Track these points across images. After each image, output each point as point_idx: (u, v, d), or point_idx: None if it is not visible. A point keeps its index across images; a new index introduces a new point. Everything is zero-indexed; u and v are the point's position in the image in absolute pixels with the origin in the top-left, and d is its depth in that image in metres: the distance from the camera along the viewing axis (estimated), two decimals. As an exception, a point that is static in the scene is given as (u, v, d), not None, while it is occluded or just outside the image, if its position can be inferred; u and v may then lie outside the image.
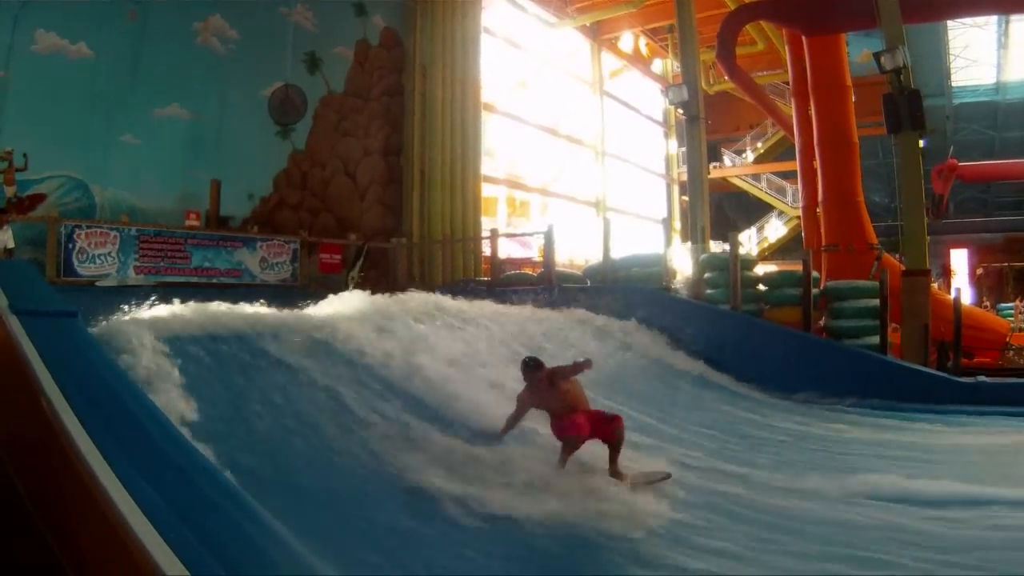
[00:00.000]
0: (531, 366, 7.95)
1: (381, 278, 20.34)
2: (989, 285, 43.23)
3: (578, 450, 7.43)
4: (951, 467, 8.86)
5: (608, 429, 7.60)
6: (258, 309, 8.69)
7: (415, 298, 11.35)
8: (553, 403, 7.69)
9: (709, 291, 17.96)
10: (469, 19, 25.84)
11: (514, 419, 8.07)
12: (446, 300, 11.92)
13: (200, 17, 21.73)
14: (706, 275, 18.26)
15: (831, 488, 7.73)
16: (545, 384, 7.74)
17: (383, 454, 6.81)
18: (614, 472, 7.52)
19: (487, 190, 27.58)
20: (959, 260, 43.79)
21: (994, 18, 40.25)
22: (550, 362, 8.03)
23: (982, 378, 15.75)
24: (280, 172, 23.29)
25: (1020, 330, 29.68)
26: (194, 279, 18.18)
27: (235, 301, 8.74)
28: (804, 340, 16.40)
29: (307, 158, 23.75)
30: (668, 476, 7.76)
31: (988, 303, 37.65)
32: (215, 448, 5.25)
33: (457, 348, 10.20)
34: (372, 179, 24.19)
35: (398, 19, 25.31)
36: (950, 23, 39.95)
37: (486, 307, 12.85)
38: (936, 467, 8.88)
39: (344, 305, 10.44)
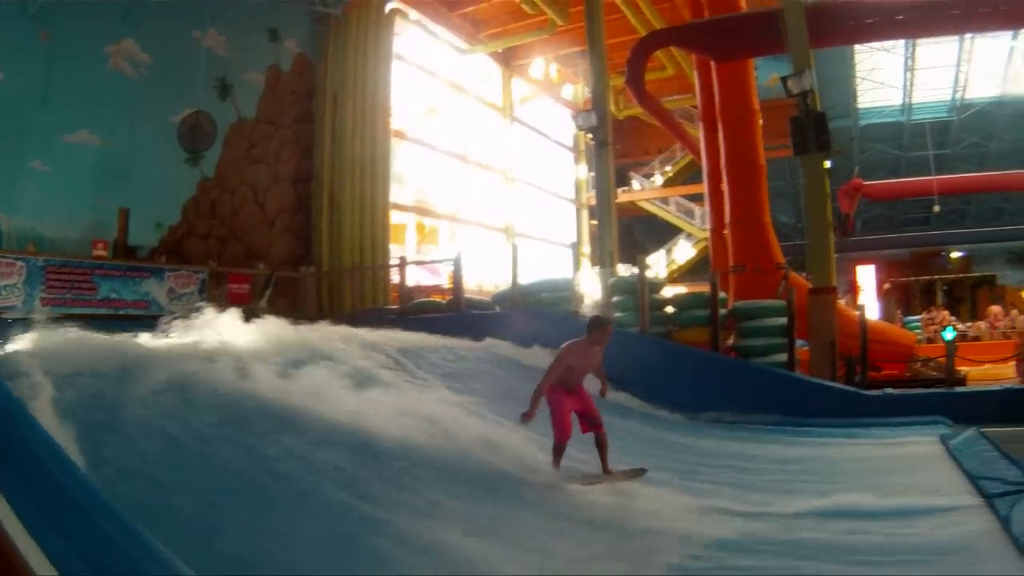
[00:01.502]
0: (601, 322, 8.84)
1: (290, 308, 19.78)
2: (897, 299, 44.81)
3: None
4: (855, 478, 9.34)
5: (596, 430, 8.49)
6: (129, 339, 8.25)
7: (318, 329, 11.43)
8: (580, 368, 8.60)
9: (618, 314, 18.29)
10: (381, 45, 26.15)
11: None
12: (346, 330, 12.09)
13: (112, 40, 21.42)
14: (615, 299, 18.82)
15: (735, 505, 7.95)
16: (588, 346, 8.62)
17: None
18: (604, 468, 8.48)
19: (396, 217, 27.89)
20: (866, 276, 45.30)
21: (901, 42, 41.88)
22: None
23: (889, 390, 16.87)
24: (189, 200, 23.07)
25: (929, 341, 31.11)
26: (101, 311, 17.91)
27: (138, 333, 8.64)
28: (713, 360, 17.09)
29: (216, 185, 23.60)
30: (644, 471, 8.67)
31: (899, 315, 39.03)
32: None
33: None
34: (281, 207, 24.28)
35: (311, 45, 25.60)
36: (857, 47, 41.53)
37: (391, 336, 12.95)
38: (841, 480, 9.34)
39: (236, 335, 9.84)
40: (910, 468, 10.08)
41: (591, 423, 8.49)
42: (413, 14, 30.60)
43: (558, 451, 8.35)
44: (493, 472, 7.82)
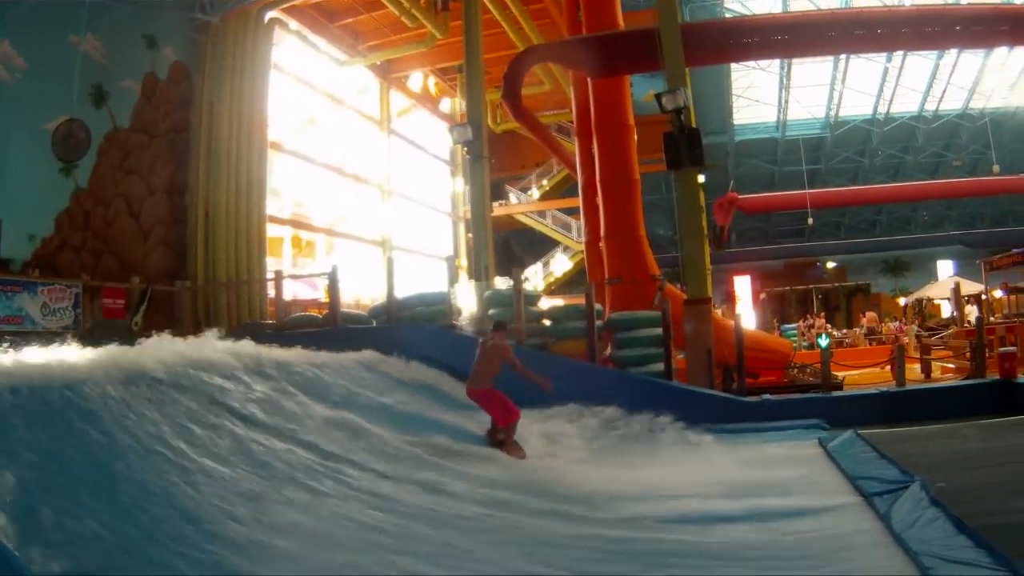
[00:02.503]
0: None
1: (166, 323, 19.30)
2: (772, 309, 46.23)
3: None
4: (734, 481, 9.82)
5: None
6: None
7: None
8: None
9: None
10: (259, 55, 26.11)
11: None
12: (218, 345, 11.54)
13: None
14: (491, 311, 18.76)
15: (595, 513, 8.34)
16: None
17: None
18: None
19: (272, 230, 27.76)
20: (742, 286, 46.54)
21: (777, 61, 43.30)
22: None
23: (767, 396, 17.29)
24: (62, 211, 22.50)
25: (807, 347, 32.20)
26: None
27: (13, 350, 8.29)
28: (592, 370, 17.27)
29: (90, 196, 23.13)
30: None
31: (776, 324, 40.28)
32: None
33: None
34: (156, 219, 23.98)
35: (189, 53, 25.38)
36: (734, 65, 42.85)
37: (263, 352, 12.24)
38: (719, 482, 9.75)
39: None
40: (789, 471, 10.53)
41: None
42: (293, 24, 30.70)
43: (513, 431, 11.15)
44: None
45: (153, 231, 23.95)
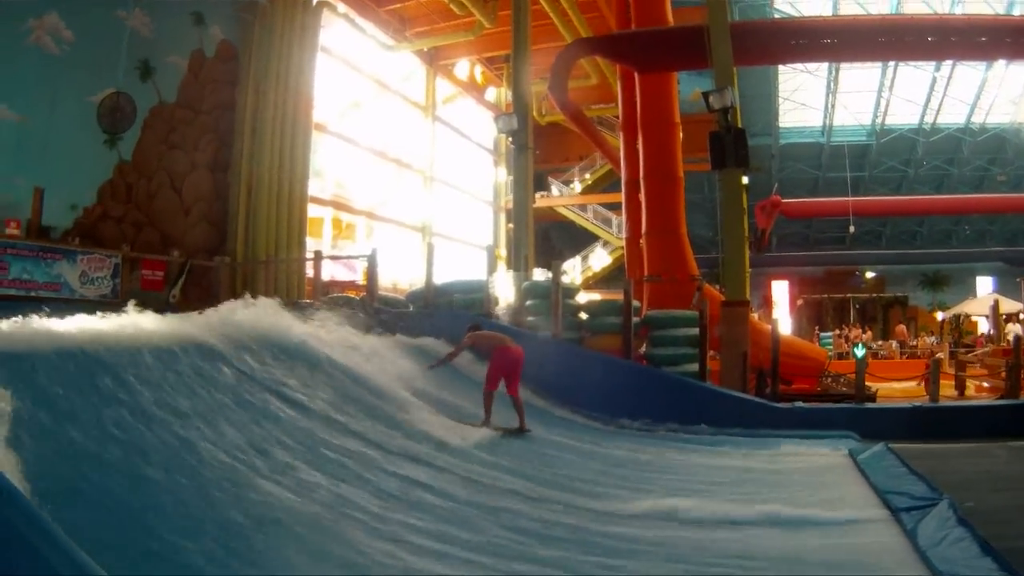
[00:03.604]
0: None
1: (203, 298, 19.21)
2: (809, 316, 45.97)
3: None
4: (763, 488, 9.75)
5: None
6: None
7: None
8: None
9: (531, 318, 18.51)
10: (307, 37, 26.08)
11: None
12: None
13: (36, 14, 20.95)
14: (528, 302, 18.86)
15: (626, 508, 8.25)
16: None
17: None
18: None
19: (313, 211, 27.81)
20: (780, 291, 46.23)
21: (825, 65, 42.99)
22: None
23: (799, 404, 17.15)
24: (105, 183, 22.70)
25: (841, 356, 31.93)
26: (11, 291, 17.35)
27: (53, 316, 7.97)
28: (624, 367, 17.20)
29: (133, 169, 23.18)
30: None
31: (818, 331, 40.00)
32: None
33: None
34: (198, 195, 23.92)
35: (236, 32, 25.27)
36: (781, 68, 42.58)
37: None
38: (748, 489, 9.73)
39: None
40: (818, 480, 10.42)
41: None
42: (341, 7, 30.80)
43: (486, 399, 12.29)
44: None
45: (195, 206, 23.87)
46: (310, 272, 23.13)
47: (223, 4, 25.29)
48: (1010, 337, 26.64)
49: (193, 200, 23.92)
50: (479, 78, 42.42)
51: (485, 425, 11.97)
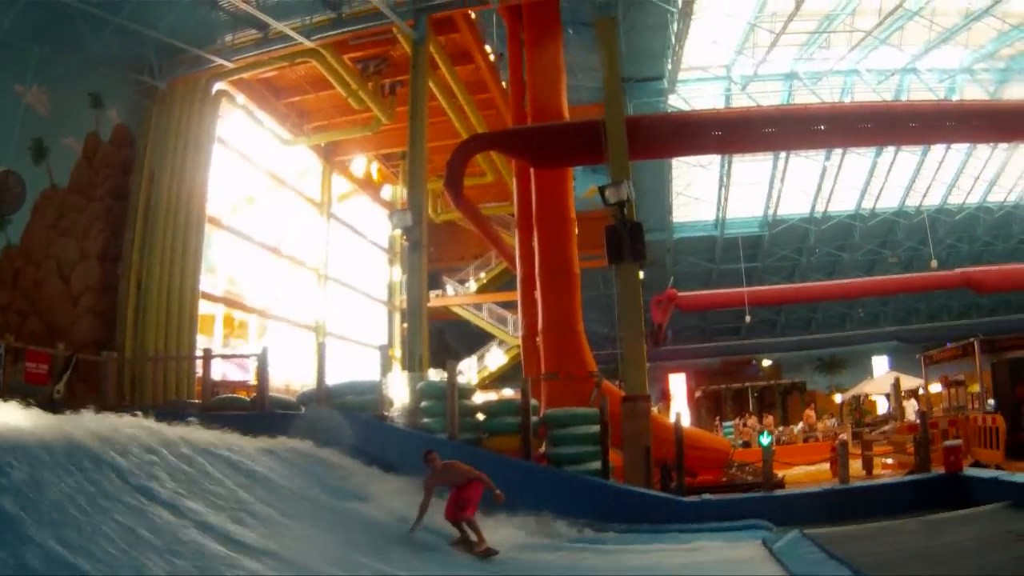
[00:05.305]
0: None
1: (90, 394, 18.69)
2: (708, 407, 46.24)
3: None
4: None
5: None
6: None
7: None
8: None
9: (426, 420, 18.19)
10: (204, 126, 26.01)
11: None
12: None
13: None
14: (423, 403, 18.58)
15: None
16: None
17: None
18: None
19: (205, 307, 27.32)
20: (677, 384, 46.51)
21: (717, 159, 43.82)
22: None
23: (707, 496, 16.94)
24: None
25: (742, 446, 31.94)
26: None
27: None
28: (526, 468, 16.78)
29: (21, 255, 22.44)
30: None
31: (719, 422, 40.08)
32: None
33: None
34: (87, 285, 23.41)
35: (133, 116, 25.11)
36: (674, 163, 43.23)
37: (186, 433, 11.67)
38: None
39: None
40: (734, 573, 10.41)
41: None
42: (240, 98, 30.61)
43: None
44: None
45: (83, 297, 23.40)
46: (200, 371, 22.60)
47: (122, 86, 25.10)
48: (910, 413, 26.97)
49: (81, 290, 23.45)
50: (375, 175, 42.33)
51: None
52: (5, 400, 8.81)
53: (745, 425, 38.05)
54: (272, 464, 13.12)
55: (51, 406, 10.60)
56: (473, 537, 11.87)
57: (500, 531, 14.16)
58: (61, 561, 6.63)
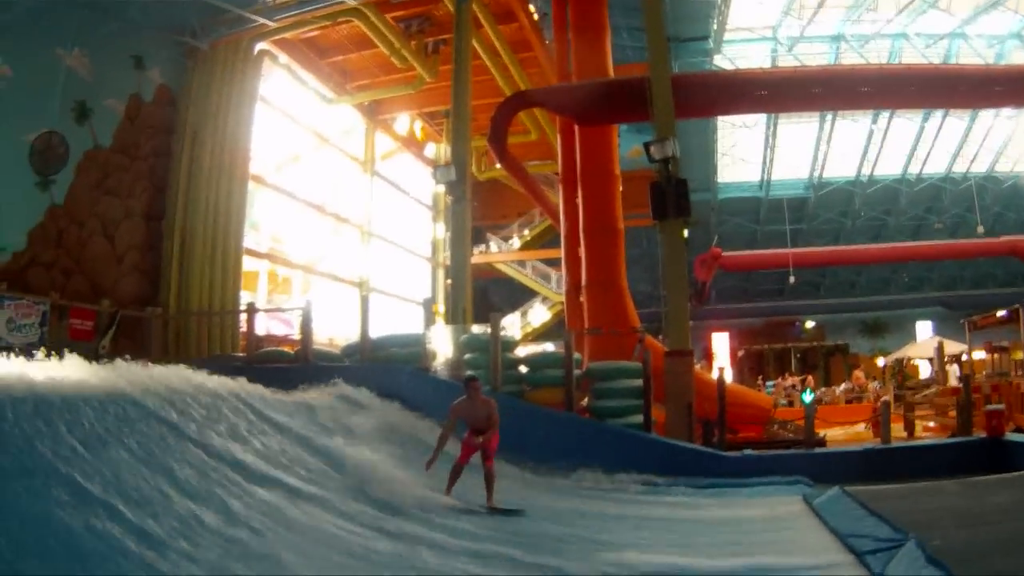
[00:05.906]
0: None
1: (134, 349, 17.91)
2: (750, 366, 46.20)
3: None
4: (718, 537, 9.68)
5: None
6: None
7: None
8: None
9: (469, 372, 17.43)
10: (247, 86, 25.94)
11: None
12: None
13: None
14: (467, 356, 18.71)
15: (576, 565, 7.88)
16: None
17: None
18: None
19: (249, 263, 27.44)
20: (720, 343, 46.45)
21: (763, 120, 43.42)
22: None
23: (748, 451, 17.20)
24: (36, 226, 22.10)
25: (784, 404, 31.90)
26: None
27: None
28: (567, 420, 17.00)
29: (65, 214, 22.57)
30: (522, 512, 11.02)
31: (761, 381, 40.05)
32: None
33: None
34: (131, 243, 23.43)
35: (176, 77, 25.05)
36: (720, 124, 42.88)
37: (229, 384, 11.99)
38: (703, 538, 9.65)
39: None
40: (775, 527, 10.31)
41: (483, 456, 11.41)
42: (282, 57, 30.54)
43: (454, 472, 11.30)
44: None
45: (127, 255, 23.40)
46: (244, 326, 22.64)
47: (164, 48, 25.00)
48: (952, 378, 26.84)
49: (126, 248, 23.44)
50: (419, 133, 42.13)
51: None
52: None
53: (787, 384, 37.99)
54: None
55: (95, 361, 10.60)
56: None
57: (544, 481, 14.43)
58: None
